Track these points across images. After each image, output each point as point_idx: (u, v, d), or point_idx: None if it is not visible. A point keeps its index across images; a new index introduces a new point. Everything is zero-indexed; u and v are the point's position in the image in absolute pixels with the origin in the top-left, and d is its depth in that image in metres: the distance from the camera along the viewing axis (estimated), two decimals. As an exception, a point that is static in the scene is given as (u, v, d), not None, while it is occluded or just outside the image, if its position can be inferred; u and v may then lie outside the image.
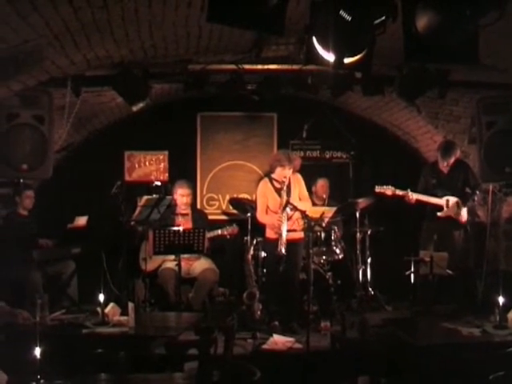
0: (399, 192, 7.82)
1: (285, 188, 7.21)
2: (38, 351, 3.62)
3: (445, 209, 7.74)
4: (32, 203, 7.86)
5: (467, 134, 8.41)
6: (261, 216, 7.51)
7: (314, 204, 8.19)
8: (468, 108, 8.21)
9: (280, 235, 7.12)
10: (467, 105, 8.18)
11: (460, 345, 5.26)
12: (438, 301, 7.53)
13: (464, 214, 7.79)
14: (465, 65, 5.61)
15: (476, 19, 3.94)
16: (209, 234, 7.77)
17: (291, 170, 7.30)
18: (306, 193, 7.55)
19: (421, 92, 7.33)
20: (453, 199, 7.74)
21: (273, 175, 7.44)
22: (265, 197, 7.45)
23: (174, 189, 8.15)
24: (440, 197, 7.77)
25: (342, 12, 3.93)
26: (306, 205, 7.34)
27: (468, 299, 7.49)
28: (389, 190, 7.85)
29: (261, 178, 8.20)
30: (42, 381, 3.55)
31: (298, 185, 7.45)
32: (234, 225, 8.20)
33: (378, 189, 7.93)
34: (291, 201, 7.18)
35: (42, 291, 7.21)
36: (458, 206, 7.75)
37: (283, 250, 7.08)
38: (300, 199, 7.39)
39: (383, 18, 4.03)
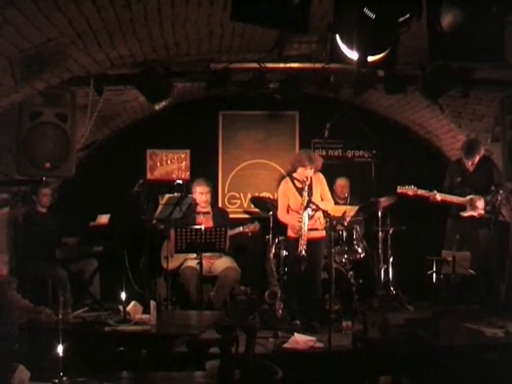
0: (421, 192, 7.75)
1: (306, 188, 7.19)
2: (60, 349, 3.63)
3: (468, 208, 7.66)
4: (49, 201, 7.91)
5: (490, 132, 8.33)
6: (282, 215, 7.50)
7: (335, 203, 8.17)
8: (491, 107, 8.14)
9: (300, 236, 7.11)
10: (491, 103, 8.11)
11: (483, 346, 5.21)
12: (460, 301, 7.48)
13: (479, 204, 7.65)
14: (490, 63, 5.57)
15: (502, 16, 3.90)
16: (230, 232, 7.78)
17: (313, 170, 7.28)
18: (328, 192, 7.53)
19: (444, 90, 7.28)
20: (477, 198, 7.65)
21: (294, 174, 7.43)
22: (286, 196, 7.44)
23: (193, 187, 8.17)
24: (464, 196, 7.70)
25: (366, 10, 3.90)
26: (327, 204, 7.32)
27: (491, 300, 7.43)
28: (411, 191, 7.78)
29: (282, 177, 8.19)
30: (64, 378, 3.56)
31: (320, 184, 7.43)
32: (256, 222, 8.20)
33: (399, 189, 7.87)
34: (313, 200, 7.16)
35: (66, 288, 7.26)
36: (480, 204, 7.66)
37: (303, 252, 7.05)
38: (322, 199, 7.37)
39: (407, 15, 4.00)
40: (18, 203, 7.76)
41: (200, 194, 8.11)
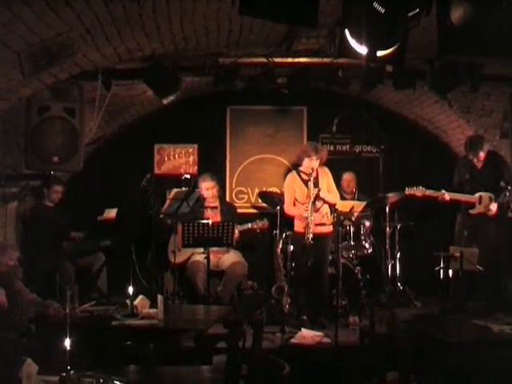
0: (430, 192, 7.69)
1: (312, 179, 7.19)
2: (67, 342, 3.64)
3: (477, 205, 7.63)
4: (59, 198, 7.92)
5: (499, 128, 8.31)
6: (288, 208, 7.50)
7: (342, 198, 8.16)
8: (500, 102, 8.13)
9: (307, 224, 7.11)
10: (499, 99, 8.10)
11: (490, 342, 5.20)
12: (468, 297, 7.46)
13: (493, 207, 7.62)
14: (500, 57, 5.54)
15: (512, 11, 3.88)
16: (239, 228, 7.78)
17: (318, 162, 7.29)
18: (334, 186, 7.54)
19: (453, 86, 7.27)
20: (485, 195, 7.61)
21: (300, 168, 7.44)
22: (292, 189, 7.45)
23: (199, 183, 8.15)
24: (473, 192, 7.66)
25: (375, 4, 3.89)
26: (334, 197, 7.34)
27: (498, 296, 7.41)
28: (419, 192, 7.72)
29: (289, 170, 8.19)
30: (71, 372, 3.56)
31: (326, 177, 7.44)
32: (265, 219, 8.19)
33: (408, 191, 7.78)
34: (319, 193, 7.18)
35: (72, 283, 7.27)
36: (490, 201, 7.62)
37: (310, 239, 7.06)
38: (328, 192, 7.37)
39: (417, 10, 3.99)
40: (25, 197, 7.79)
41: (206, 189, 8.09)
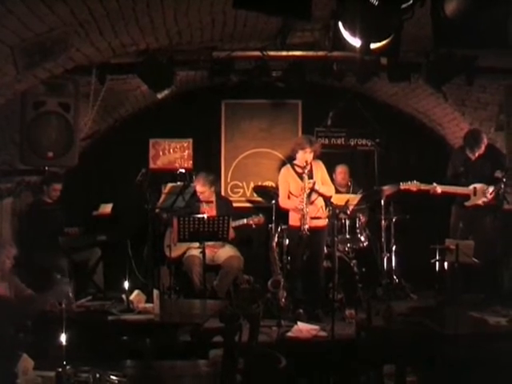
0: (424, 186, 7.70)
1: (306, 171, 7.20)
2: (63, 337, 3.64)
3: (472, 197, 7.63)
4: (57, 195, 7.90)
5: (494, 121, 8.30)
6: (283, 201, 7.53)
7: (337, 191, 8.16)
8: (496, 95, 8.11)
9: (303, 216, 7.13)
10: (495, 91, 8.08)
11: (486, 334, 5.22)
12: (464, 290, 7.47)
13: (489, 193, 7.58)
14: (494, 49, 5.54)
15: (506, 3, 3.87)
16: (234, 223, 7.78)
17: (312, 154, 7.31)
18: (328, 178, 7.59)
19: (448, 78, 7.26)
20: (480, 187, 7.62)
21: (295, 161, 7.48)
22: (286, 182, 7.48)
23: (195, 182, 8.13)
24: (468, 185, 7.66)
25: (369, -4, 3.88)
26: (328, 189, 7.37)
27: (494, 288, 7.42)
28: (413, 186, 7.71)
29: (283, 164, 8.20)
30: (67, 367, 3.56)
31: (320, 170, 7.49)
32: (260, 214, 8.19)
33: (402, 186, 7.79)
34: (314, 186, 7.20)
35: (68, 278, 7.26)
36: (485, 193, 7.61)
37: (306, 230, 7.07)
38: (322, 184, 7.39)
39: (411, 2, 3.97)
40: (21, 193, 7.77)
41: (200, 192, 8.07)
